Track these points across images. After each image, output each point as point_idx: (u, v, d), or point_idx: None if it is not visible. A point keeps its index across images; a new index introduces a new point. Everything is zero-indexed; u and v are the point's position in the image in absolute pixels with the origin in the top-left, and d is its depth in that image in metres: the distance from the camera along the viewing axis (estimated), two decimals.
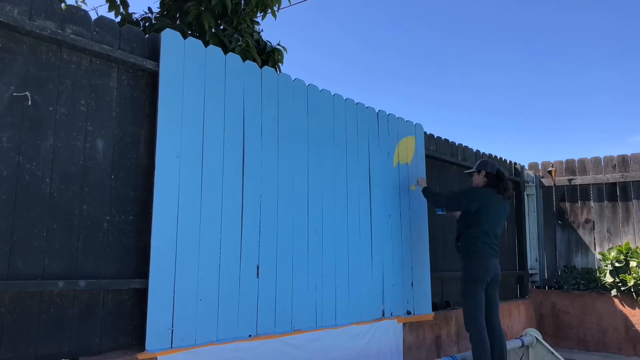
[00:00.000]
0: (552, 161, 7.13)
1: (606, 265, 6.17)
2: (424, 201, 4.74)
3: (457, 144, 5.73)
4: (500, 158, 6.57)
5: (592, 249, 6.68)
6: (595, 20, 17.16)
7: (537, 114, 19.98)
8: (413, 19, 19.04)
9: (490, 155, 6.32)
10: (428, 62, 19.84)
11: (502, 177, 4.20)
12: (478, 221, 4.01)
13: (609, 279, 6.11)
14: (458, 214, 4.49)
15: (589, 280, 6.38)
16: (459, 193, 4.21)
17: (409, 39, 19.58)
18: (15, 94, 2.47)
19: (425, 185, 4.56)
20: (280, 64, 4.91)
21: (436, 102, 20.56)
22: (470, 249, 4.00)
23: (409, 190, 4.63)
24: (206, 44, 3.62)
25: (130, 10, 4.91)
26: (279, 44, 4.90)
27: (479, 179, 4.23)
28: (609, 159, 6.65)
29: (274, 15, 4.97)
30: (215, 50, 3.28)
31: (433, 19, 18.77)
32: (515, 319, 6.17)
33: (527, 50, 18.71)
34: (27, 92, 2.51)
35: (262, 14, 5.03)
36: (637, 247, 6.11)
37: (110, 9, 4.81)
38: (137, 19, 4.86)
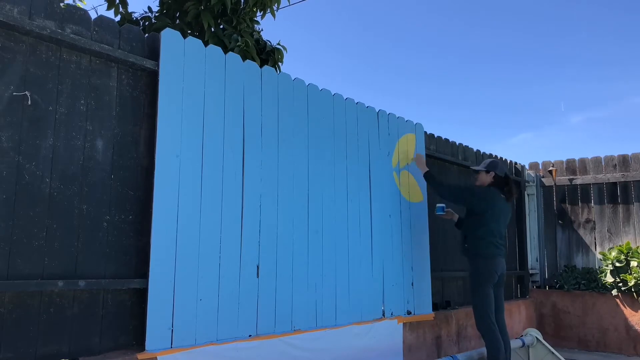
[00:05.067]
0: (552, 161, 7.12)
1: (607, 265, 6.17)
2: (424, 201, 4.74)
3: (457, 143, 5.72)
4: (501, 158, 6.57)
5: (592, 248, 6.67)
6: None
7: (536, 112, 20.19)
8: (417, 15, 19.14)
9: (490, 154, 6.31)
10: (429, 60, 19.95)
11: (509, 181, 4.22)
12: (484, 222, 4.04)
13: (609, 278, 6.11)
14: (456, 217, 4.51)
15: (590, 280, 6.38)
16: (466, 190, 4.28)
17: (414, 34, 19.71)
18: (15, 93, 2.47)
19: (426, 168, 4.48)
20: (280, 64, 4.90)
21: (437, 101, 20.70)
22: (478, 250, 4.03)
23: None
24: (206, 44, 3.62)
25: (129, 10, 4.91)
26: (279, 44, 4.90)
27: (485, 179, 4.22)
28: (609, 159, 6.65)
29: (273, 14, 4.96)
30: (215, 49, 3.28)
31: (437, 15, 18.88)
32: (515, 318, 6.16)
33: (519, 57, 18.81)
34: (26, 92, 2.51)
35: (261, 13, 5.03)
36: (637, 247, 6.10)
37: (109, 8, 4.81)
38: (136, 19, 4.85)
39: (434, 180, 4.40)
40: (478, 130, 20.83)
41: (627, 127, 19.79)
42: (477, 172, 4.34)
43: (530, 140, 20.66)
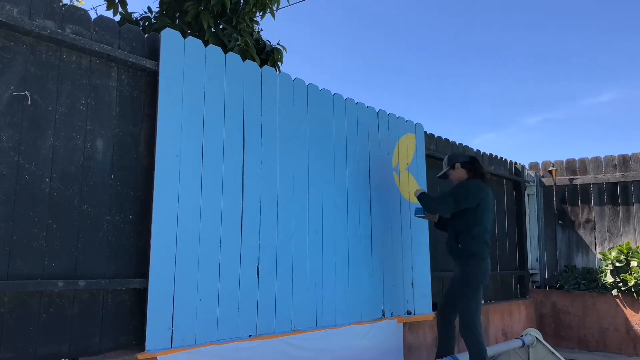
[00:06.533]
0: (552, 161, 7.13)
1: (607, 265, 6.17)
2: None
3: (457, 143, 5.72)
4: (501, 158, 6.57)
5: (592, 248, 6.67)
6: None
7: (536, 110, 20.31)
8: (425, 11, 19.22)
9: (490, 154, 6.32)
10: (431, 56, 20.00)
11: (477, 161, 3.94)
12: (480, 219, 3.73)
13: (609, 278, 6.11)
14: (437, 217, 4.20)
15: (590, 280, 6.38)
16: (449, 195, 3.83)
17: (417, 32, 19.78)
18: (14, 93, 2.47)
19: (423, 190, 4.13)
20: (279, 63, 4.91)
21: (438, 99, 20.78)
22: (472, 250, 3.71)
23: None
24: (205, 44, 3.62)
25: (129, 10, 4.91)
26: (278, 44, 4.90)
27: (458, 174, 3.93)
28: (609, 159, 6.65)
29: (272, 14, 4.96)
30: (215, 49, 3.28)
31: (441, 11, 18.94)
32: (515, 318, 6.16)
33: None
34: (26, 92, 2.51)
35: (261, 13, 5.03)
36: (637, 247, 6.10)
37: (108, 8, 4.81)
38: (136, 19, 4.85)
39: (424, 197, 4.00)
40: (443, 130, 21.09)
41: (582, 128, 20.10)
42: (446, 175, 4.03)
43: (494, 140, 20.94)
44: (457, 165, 3.93)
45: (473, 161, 3.94)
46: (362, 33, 19.83)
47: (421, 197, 4.03)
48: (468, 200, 3.75)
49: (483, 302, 5.86)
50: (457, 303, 3.82)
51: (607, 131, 19.79)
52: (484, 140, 21.02)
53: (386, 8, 18.68)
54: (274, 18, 5.00)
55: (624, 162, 6.53)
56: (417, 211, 4.22)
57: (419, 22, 19.02)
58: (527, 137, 21.11)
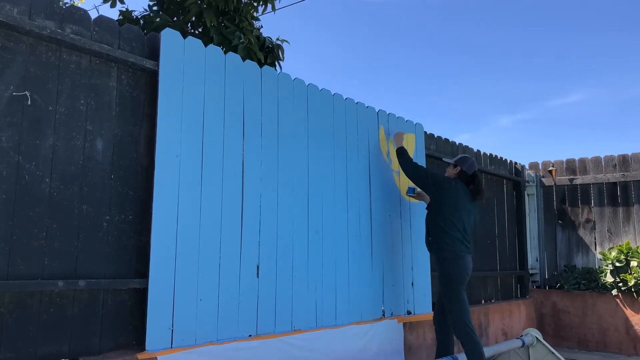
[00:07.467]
0: (552, 161, 7.12)
1: (607, 265, 6.17)
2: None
3: (457, 143, 5.72)
4: (501, 158, 6.57)
5: (592, 248, 6.67)
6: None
7: (537, 110, 20.31)
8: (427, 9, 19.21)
9: (490, 154, 6.31)
10: (432, 55, 20.00)
11: (476, 180, 4.07)
12: (446, 212, 3.87)
13: (609, 278, 6.11)
14: (428, 199, 4.28)
15: (590, 280, 6.38)
16: (430, 172, 4.07)
17: (420, 31, 19.78)
18: (14, 93, 2.47)
19: (402, 144, 4.28)
20: (280, 61, 4.91)
21: (437, 98, 20.79)
22: (442, 245, 3.84)
23: (408, 191, 4.57)
24: (210, 41, 3.60)
25: (129, 8, 4.92)
26: (278, 39, 4.88)
27: (451, 172, 4.13)
28: (609, 159, 6.65)
29: (273, 7, 4.97)
30: (215, 49, 3.28)
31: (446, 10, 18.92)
32: (515, 318, 6.17)
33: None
34: (26, 92, 2.50)
35: (262, 7, 5.03)
36: (637, 247, 6.10)
37: (105, 1, 4.84)
38: (136, 17, 4.86)
39: (405, 155, 4.18)
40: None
41: (552, 129, 20.14)
42: (448, 164, 4.29)
43: (469, 141, 20.94)
44: (458, 168, 4.12)
45: (472, 176, 4.09)
46: (362, 31, 19.84)
47: (399, 150, 4.25)
48: (429, 181, 3.99)
49: (483, 302, 5.88)
50: (445, 304, 3.92)
51: (579, 131, 19.90)
52: (461, 141, 20.93)
53: (386, 8, 18.69)
54: (274, 12, 5.00)
55: (624, 162, 6.53)
56: (409, 190, 4.44)
57: (411, 19, 19.03)
58: (502, 138, 21.18)
